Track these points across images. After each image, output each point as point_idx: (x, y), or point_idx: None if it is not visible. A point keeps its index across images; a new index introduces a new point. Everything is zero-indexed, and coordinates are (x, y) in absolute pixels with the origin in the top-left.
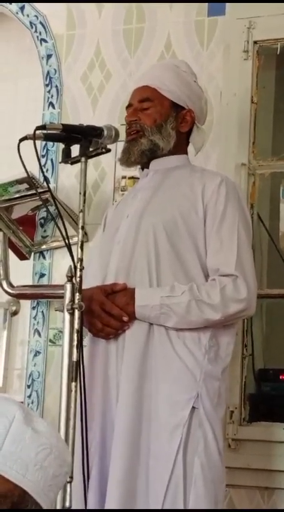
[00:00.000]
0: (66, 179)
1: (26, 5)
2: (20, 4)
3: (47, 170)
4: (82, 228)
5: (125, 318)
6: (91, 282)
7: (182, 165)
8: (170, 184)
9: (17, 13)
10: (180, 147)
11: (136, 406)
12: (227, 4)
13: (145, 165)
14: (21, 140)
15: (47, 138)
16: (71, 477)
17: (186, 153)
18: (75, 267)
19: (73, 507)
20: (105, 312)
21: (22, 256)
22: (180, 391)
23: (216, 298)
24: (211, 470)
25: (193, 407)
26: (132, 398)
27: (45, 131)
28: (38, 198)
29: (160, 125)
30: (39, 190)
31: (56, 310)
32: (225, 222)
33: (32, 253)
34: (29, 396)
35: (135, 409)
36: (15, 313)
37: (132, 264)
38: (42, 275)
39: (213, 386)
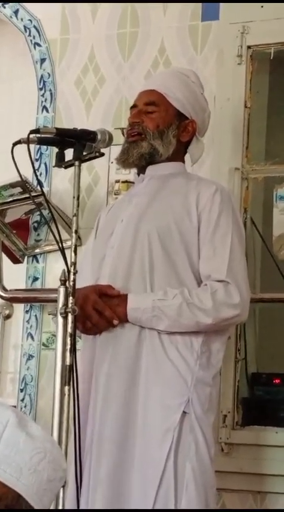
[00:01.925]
0: (60, 183)
1: (20, 9)
2: (14, 8)
3: (41, 174)
4: (76, 232)
5: (115, 322)
6: (83, 284)
7: (178, 173)
8: (166, 191)
9: (11, 17)
10: (178, 155)
11: (125, 408)
12: (221, 9)
13: (141, 170)
14: (14, 144)
15: (41, 142)
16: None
17: (183, 161)
18: (69, 271)
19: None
20: (96, 311)
21: (15, 260)
22: (171, 395)
23: (207, 303)
24: (202, 474)
25: (184, 412)
26: (122, 400)
27: (38, 135)
28: (31, 201)
29: (162, 131)
30: (33, 194)
31: (49, 314)
32: (218, 229)
33: (26, 257)
34: (22, 400)
35: (124, 412)
36: (8, 316)
37: (126, 270)
38: (35, 279)
39: (204, 392)
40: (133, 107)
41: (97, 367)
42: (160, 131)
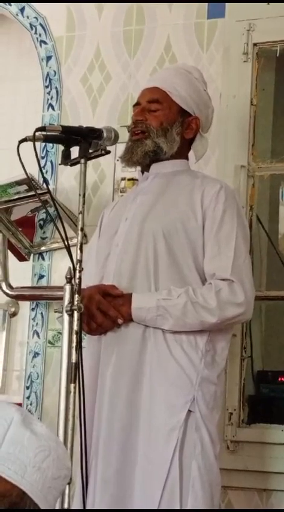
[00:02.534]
0: (66, 181)
1: (26, 6)
2: (20, 6)
3: (47, 172)
4: (82, 229)
5: (120, 321)
6: (87, 283)
7: (182, 171)
8: (171, 190)
9: (17, 15)
10: (182, 152)
11: (131, 407)
12: (227, 6)
13: (145, 168)
14: (20, 142)
15: (47, 139)
16: (70, 479)
17: (187, 158)
18: (74, 269)
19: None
20: (101, 312)
21: (21, 258)
22: (176, 394)
23: (212, 302)
24: (208, 473)
25: (189, 411)
26: (127, 400)
27: (44, 133)
28: (37, 199)
29: (166, 129)
30: (39, 191)
31: (55, 312)
32: (223, 228)
33: (31, 255)
34: (28, 397)
35: (129, 411)
36: (14, 314)
37: (131, 268)
38: (41, 276)
39: (209, 390)
40: (136, 104)
41: (103, 367)
42: (164, 129)
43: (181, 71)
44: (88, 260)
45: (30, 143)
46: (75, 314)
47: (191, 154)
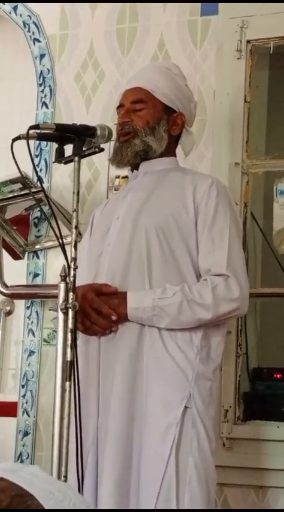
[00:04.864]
0: (60, 179)
1: (19, 5)
2: (13, 4)
3: (41, 170)
4: (76, 227)
5: (114, 317)
6: (80, 282)
7: (172, 168)
8: (162, 186)
9: (10, 13)
10: (170, 149)
11: (128, 405)
12: (220, 4)
13: (134, 166)
14: (14, 140)
15: (40, 137)
16: (65, 476)
17: (175, 155)
18: (69, 267)
19: None
20: (94, 310)
21: (16, 256)
22: (173, 390)
23: (208, 298)
24: (205, 469)
25: (186, 407)
26: (125, 398)
27: (38, 131)
28: (31, 197)
29: (153, 127)
30: (33, 190)
31: (50, 310)
32: (216, 223)
33: (26, 253)
34: (23, 396)
35: (127, 409)
36: (9, 313)
37: (124, 267)
38: (36, 275)
39: (204, 386)
40: (120, 106)
41: (101, 365)
42: (151, 127)
43: (161, 68)
44: (82, 259)
45: (25, 141)
46: (70, 312)
47: (179, 151)
